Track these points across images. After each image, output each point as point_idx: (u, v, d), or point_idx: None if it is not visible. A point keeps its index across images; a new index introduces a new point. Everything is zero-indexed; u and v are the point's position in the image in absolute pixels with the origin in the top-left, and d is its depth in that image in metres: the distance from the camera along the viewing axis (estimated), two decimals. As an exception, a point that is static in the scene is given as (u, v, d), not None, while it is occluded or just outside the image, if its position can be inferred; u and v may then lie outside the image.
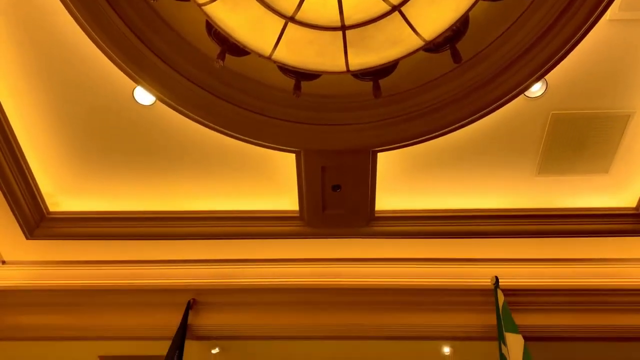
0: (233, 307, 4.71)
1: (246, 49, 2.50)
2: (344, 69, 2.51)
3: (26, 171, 4.23)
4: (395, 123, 3.70)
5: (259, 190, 4.43)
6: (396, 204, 4.49)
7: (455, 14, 2.33)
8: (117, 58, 3.34)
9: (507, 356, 4.03)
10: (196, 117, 3.69)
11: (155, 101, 3.73)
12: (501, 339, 4.14)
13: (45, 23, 3.40)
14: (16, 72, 3.70)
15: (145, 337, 4.68)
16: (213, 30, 2.70)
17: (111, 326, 4.70)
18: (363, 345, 4.75)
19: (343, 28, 2.31)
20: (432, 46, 2.64)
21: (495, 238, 4.54)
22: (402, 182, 4.36)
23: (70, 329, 4.70)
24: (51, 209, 4.57)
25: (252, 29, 2.39)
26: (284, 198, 4.48)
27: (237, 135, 3.82)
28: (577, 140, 4.01)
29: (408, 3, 2.23)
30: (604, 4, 3.01)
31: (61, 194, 4.50)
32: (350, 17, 2.27)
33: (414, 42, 2.41)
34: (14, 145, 4.06)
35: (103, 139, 4.10)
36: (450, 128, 3.73)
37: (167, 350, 4.21)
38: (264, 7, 2.28)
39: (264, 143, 3.88)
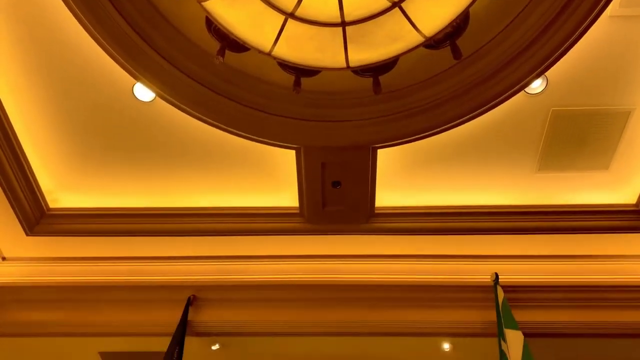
0: (233, 303, 4.71)
1: (246, 45, 2.49)
2: (344, 65, 2.51)
3: (26, 168, 4.23)
4: (395, 119, 3.70)
5: (259, 187, 4.44)
6: (396, 201, 4.49)
7: (455, 10, 2.33)
8: (116, 54, 3.34)
9: (506, 352, 4.04)
10: (196, 113, 3.68)
11: (155, 97, 3.73)
12: (501, 336, 4.14)
13: (44, 19, 3.39)
14: (16, 69, 3.69)
15: (145, 333, 4.69)
16: (213, 26, 2.70)
17: (111, 322, 4.70)
18: (363, 341, 4.76)
19: (343, 24, 2.31)
20: (433, 42, 2.64)
21: (495, 235, 4.54)
22: (402, 178, 4.36)
23: (70, 325, 4.70)
24: (51, 205, 4.57)
25: (252, 25, 2.39)
26: (284, 194, 4.48)
27: (237, 131, 3.81)
28: (577, 136, 4.01)
29: (408, -1, 2.23)
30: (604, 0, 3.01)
31: (61, 191, 4.50)
32: (351, 13, 2.27)
33: (414, 39, 2.41)
34: (14, 141, 4.06)
35: (103, 136, 4.10)
36: (450, 124, 3.73)
37: (167, 347, 4.22)
38: (264, 3, 2.28)
39: (264, 139, 3.88)
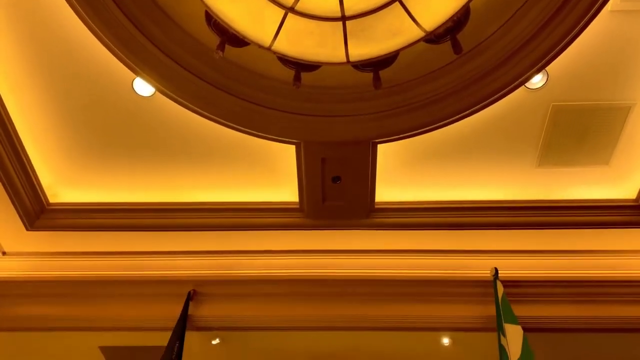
0: (233, 298, 4.72)
1: (246, 40, 2.49)
2: (344, 59, 2.50)
3: (26, 163, 4.22)
4: (396, 114, 3.69)
5: (259, 182, 4.43)
6: (396, 196, 4.49)
7: (456, 4, 2.32)
8: (116, 49, 3.33)
9: (506, 347, 4.04)
10: (196, 108, 3.68)
11: (155, 92, 3.72)
12: (500, 330, 4.15)
13: (44, 14, 3.38)
14: (16, 65, 3.69)
15: (145, 327, 4.69)
16: (212, 20, 2.69)
17: (112, 317, 4.70)
18: (363, 336, 4.77)
19: (343, 18, 2.30)
20: (433, 37, 2.63)
21: (495, 229, 4.54)
22: (402, 173, 4.35)
23: (70, 319, 4.71)
24: (51, 200, 4.57)
25: (252, 19, 2.38)
26: (284, 189, 4.48)
27: (237, 126, 3.81)
28: (577, 131, 4.00)
29: (408, -7, 2.22)
30: (605, -6, 3.00)
31: (61, 185, 4.50)
32: (351, 8, 2.26)
33: (415, 33, 2.40)
34: (14, 137, 4.05)
35: (103, 130, 4.09)
36: (450, 119, 3.72)
37: (167, 341, 4.22)
38: (264, -3, 2.27)
39: (263, 134, 3.87)
